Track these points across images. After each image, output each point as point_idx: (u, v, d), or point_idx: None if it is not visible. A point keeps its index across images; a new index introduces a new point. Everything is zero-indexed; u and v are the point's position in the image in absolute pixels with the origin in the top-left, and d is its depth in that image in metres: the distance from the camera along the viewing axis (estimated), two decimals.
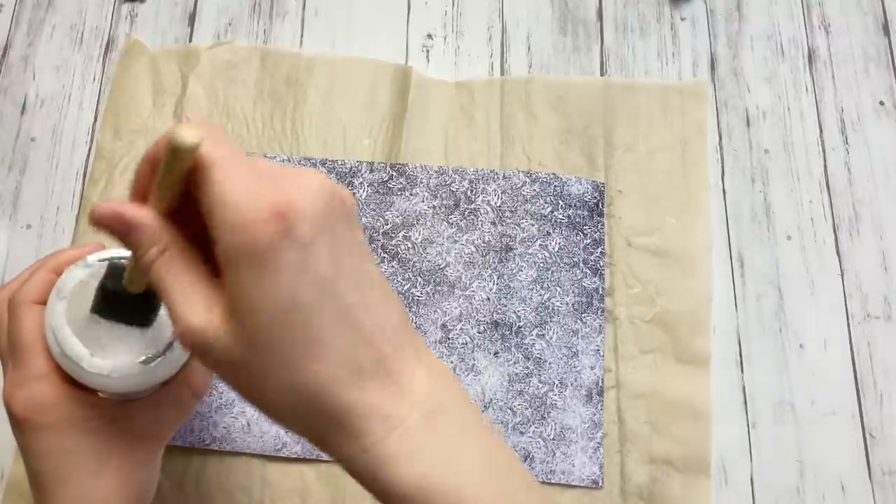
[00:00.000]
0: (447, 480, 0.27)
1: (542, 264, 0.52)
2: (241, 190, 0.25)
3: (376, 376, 0.27)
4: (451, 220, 0.53)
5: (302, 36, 0.60)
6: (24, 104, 0.57)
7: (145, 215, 0.27)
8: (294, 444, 0.49)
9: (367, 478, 0.27)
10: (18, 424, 0.35)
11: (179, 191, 0.26)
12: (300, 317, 0.26)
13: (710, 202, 0.55)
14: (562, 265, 0.52)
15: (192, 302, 0.27)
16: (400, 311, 0.29)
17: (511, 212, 0.53)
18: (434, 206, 0.54)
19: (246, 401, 0.28)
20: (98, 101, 0.58)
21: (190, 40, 0.59)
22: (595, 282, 0.52)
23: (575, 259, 0.52)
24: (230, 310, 0.26)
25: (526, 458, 0.48)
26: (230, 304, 0.26)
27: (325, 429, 0.27)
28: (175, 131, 0.24)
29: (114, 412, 0.36)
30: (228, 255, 0.25)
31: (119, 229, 0.27)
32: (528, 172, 0.55)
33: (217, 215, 0.25)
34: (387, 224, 0.53)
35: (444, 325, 0.51)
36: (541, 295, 0.52)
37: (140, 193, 0.28)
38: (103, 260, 0.36)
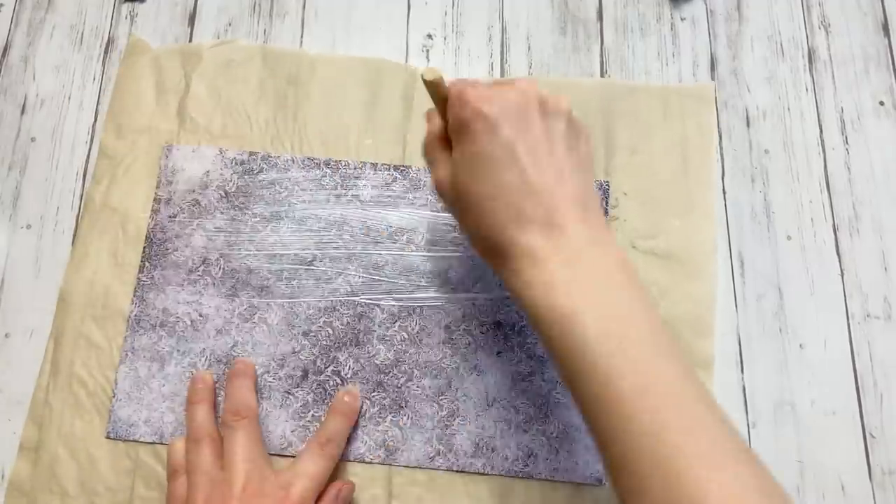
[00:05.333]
0: (573, 308, 0.36)
1: None
2: (459, 98, 0.39)
3: (536, 224, 0.37)
4: (454, 224, 0.53)
5: (302, 36, 0.60)
6: (24, 104, 0.57)
7: (434, 112, 0.43)
8: (299, 443, 0.49)
9: (517, 297, 0.38)
10: None
11: (442, 108, 0.42)
12: (487, 168, 0.38)
13: (715, 205, 0.55)
14: None
15: (440, 165, 0.41)
16: (579, 190, 0.39)
17: None
18: (437, 210, 0.54)
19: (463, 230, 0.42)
20: (98, 101, 0.58)
21: (190, 40, 0.59)
22: None
23: None
24: (453, 168, 0.40)
25: (529, 456, 0.49)
26: (453, 164, 0.40)
27: (496, 257, 0.39)
28: (422, 71, 0.40)
29: None
30: (452, 130, 0.40)
31: (427, 119, 0.44)
32: None
33: (449, 113, 0.40)
34: (391, 227, 0.53)
35: (447, 327, 0.51)
36: None
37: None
38: None
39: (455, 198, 0.40)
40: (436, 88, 0.41)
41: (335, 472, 0.47)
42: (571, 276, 0.36)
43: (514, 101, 0.39)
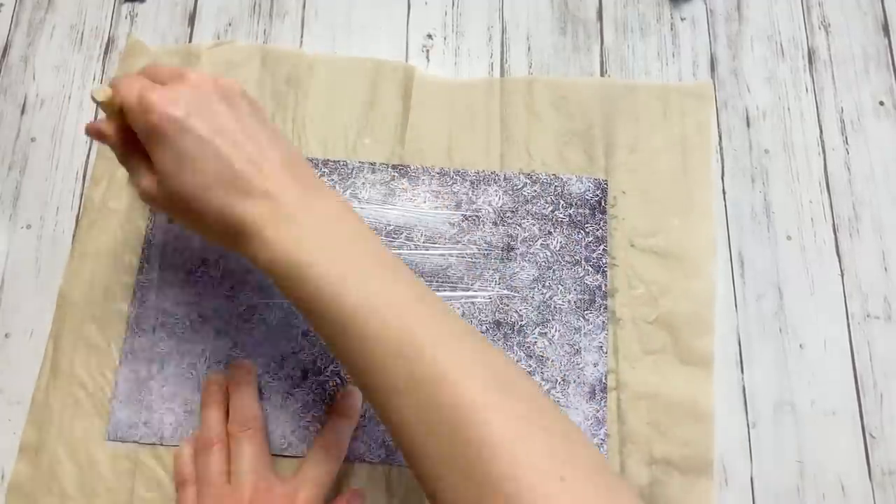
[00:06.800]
0: (302, 259, 0.38)
1: (543, 263, 0.52)
2: (141, 105, 0.40)
3: (252, 197, 0.39)
4: (452, 222, 0.53)
5: (302, 36, 0.60)
6: (24, 104, 0.57)
7: (107, 127, 0.43)
8: (299, 443, 0.49)
9: (258, 264, 0.39)
10: None
11: (120, 120, 0.43)
12: (192, 165, 0.39)
13: (713, 204, 0.55)
14: (563, 263, 0.52)
15: (141, 173, 0.43)
16: (283, 157, 0.41)
17: (512, 212, 0.54)
18: (436, 208, 0.54)
19: (187, 228, 0.46)
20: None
21: (190, 40, 0.59)
22: (598, 279, 0.52)
23: (577, 257, 0.53)
24: (156, 173, 0.41)
25: None
26: (156, 169, 0.41)
27: (231, 239, 0.40)
28: (91, 92, 0.42)
29: None
30: (144, 138, 0.41)
31: (96, 136, 0.44)
32: (528, 174, 0.55)
33: (134, 123, 0.41)
34: (389, 225, 0.53)
35: None
36: (542, 294, 0.52)
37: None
38: None
39: (169, 201, 0.41)
40: (109, 104, 0.42)
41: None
42: (296, 231, 0.39)
43: (195, 95, 0.41)
